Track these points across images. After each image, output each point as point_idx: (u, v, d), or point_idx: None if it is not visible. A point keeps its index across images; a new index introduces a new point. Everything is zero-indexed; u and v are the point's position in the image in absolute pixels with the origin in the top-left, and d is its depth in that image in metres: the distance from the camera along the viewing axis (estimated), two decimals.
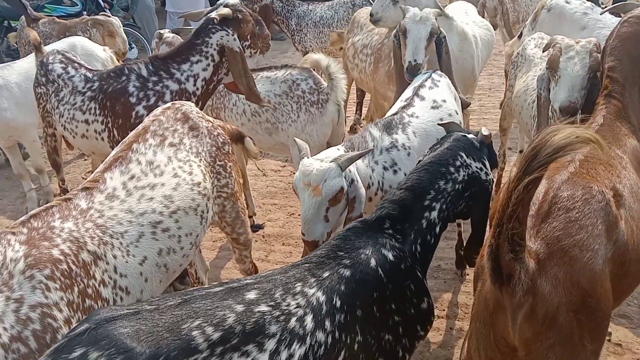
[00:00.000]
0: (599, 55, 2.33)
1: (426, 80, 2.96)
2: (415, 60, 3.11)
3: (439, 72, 3.13)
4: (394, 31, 3.39)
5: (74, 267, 1.55)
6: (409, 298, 1.69)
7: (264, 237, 4.01)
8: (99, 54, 4.52)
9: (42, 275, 1.47)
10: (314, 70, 3.43)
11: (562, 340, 1.44)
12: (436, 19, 3.28)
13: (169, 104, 2.31)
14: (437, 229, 1.85)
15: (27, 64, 4.36)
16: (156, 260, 1.84)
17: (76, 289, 1.54)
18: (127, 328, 1.24)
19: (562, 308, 1.42)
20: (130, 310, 1.30)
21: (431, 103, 2.81)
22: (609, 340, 2.92)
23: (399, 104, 2.85)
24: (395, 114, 2.70)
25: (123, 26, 7.57)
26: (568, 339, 1.44)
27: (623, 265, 1.64)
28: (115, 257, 1.69)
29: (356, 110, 5.56)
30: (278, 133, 3.48)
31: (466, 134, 2.04)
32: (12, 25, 7.93)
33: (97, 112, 3.02)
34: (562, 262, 1.45)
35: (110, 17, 5.49)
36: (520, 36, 4.49)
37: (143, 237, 1.80)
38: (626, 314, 3.11)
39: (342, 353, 1.50)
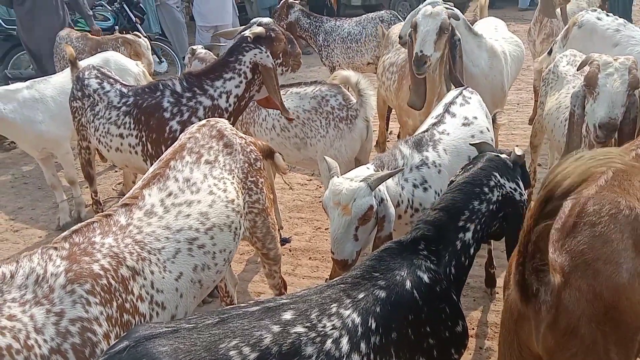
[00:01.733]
0: (638, 73, 2.30)
1: (457, 97, 2.96)
2: (421, 52, 3.11)
3: (470, 89, 3.12)
4: (409, 29, 3.40)
5: (113, 282, 1.58)
6: (444, 321, 1.68)
7: (290, 250, 4.03)
8: (132, 69, 4.63)
9: (82, 290, 1.50)
10: (343, 86, 3.46)
11: (585, 350, 1.45)
12: (449, 18, 3.27)
13: (204, 121, 2.35)
14: (472, 250, 1.84)
15: (62, 79, 4.50)
16: (191, 276, 1.87)
17: (115, 304, 1.58)
18: (165, 347, 1.26)
19: (584, 319, 1.44)
20: (169, 329, 1.32)
21: (462, 120, 2.80)
22: None
23: (430, 120, 2.85)
24: (426, 131, 2.70)
25: (152, 40, 7.77)
26: (591, 350, 1.46)
27: None
28: (152, 272, 1.73)
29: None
30: (307, 148, 3.51)
31: (499, 154, 2.03)
32: None
33: (132, 126, 3.09)
34: (585, 275, 1.47)
35: (140, 37, 5.63)
36: (550, 52, 4.45)
37: (179, 253, 1.83)
38: None
39: None
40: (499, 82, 4.03)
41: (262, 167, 2.41)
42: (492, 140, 2.87)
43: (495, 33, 4.40)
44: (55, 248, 1.58)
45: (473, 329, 3.16)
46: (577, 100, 2.47)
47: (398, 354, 1.55)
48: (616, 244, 1.53)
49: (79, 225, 1.69)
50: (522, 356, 1.60)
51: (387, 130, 5.54)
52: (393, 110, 5.04)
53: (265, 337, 1.35)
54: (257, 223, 2.38)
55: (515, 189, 1.95)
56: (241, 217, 2.16)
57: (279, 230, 4.03)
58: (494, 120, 3.10)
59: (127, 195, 1.87)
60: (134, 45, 5.35)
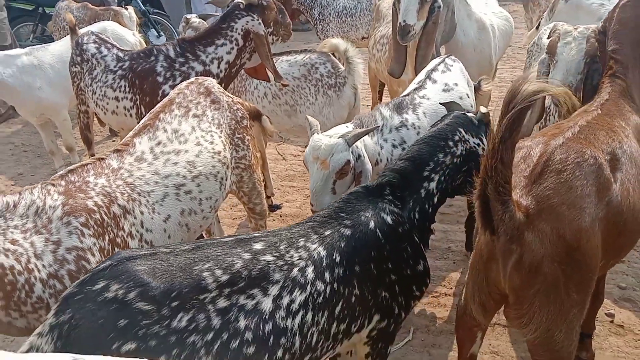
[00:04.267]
0: (596, 42, 2.42)
1: (439, 64, 3.09)
2: (404, 22, 3.21)
3: (453, 57, 3.25)
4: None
5: (105, 217, 1.74)
6: (406, 260, 1.83)
7: (281, 216, 4.19)
8: (129, 39, 4.75)
9: (77, 222, 1.66)
10: (332, 54, 3.58)
11: (547, 288, 1.58)
12: None
13: (192, 79, 2.49)
14: (435, 199, 1.99)
15: (60, 47, 4.61)
16: (179, 219, 2.02)
17: (107, 237, 1.73)
18: (144, 266, 1.41)
19: (547, 259, 1.56)
20: (149, 252, 1.48)
21: (443, 86, 2.93)
22: (612, 322, 3.02)
23: (412, 86, 2.98)
24: (407, 95, 2.84)
25: (151, 14, 7.84)
26: (552, 287, 1.58)
27: (617, 224, 1.75)
28: (142, 213, 1.89)
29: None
30: (297, 115, 3.65)
31: (466, 113, 2.17)
32: (47, 12, 8.26)
33: (127, 89, 3.23)
34: (549, 218, 1.58)
35: (127, 9, 5.73)
36: (538, 27, 4.56)
37: (167, 197, 1.99)
38: (631, 298, 3.19)
39: (340, 303, 1.65)
40: (487, 55, 4.15)
41: (248, 126, 2.55)
42: (472, 107, 3.00)
43: (485, 7, 4.51)
44: (53, 184, 1.74)
45: (451, 288, 3.33)
46: (543, 68, 2.60)
47: (361, 286, 1.71)
48: (580, 190, 1.64)
49: (74, 165, 1.84)
50: (491, 295, 1.75)
51: (380, 102, 5.66)
52: (386, 86, 5.18)
53: (237, 263, 1.50)
54: (243, 178, 2.54)
55: (478, 144, 2.09)
56: (227, 168, 2.31)
57: (270, 197, 4.20)
58: (479, 87, 3.23)
59: (119, 143, 2.02)
60: (117, 16, 5.47)
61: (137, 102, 3.22)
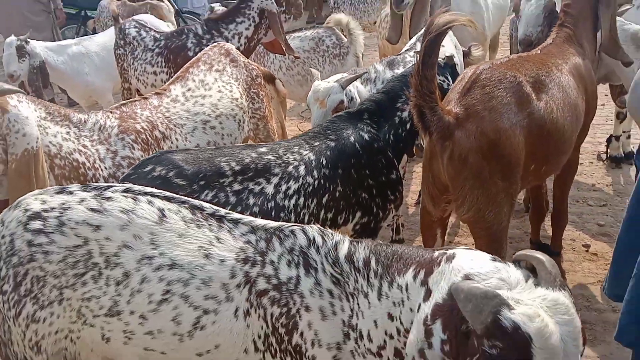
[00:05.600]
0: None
1: None
2: None
3: None
4: None
5: (149, 138, 2.32)
6: (380, 169, 2.33)
7: None
8: (163, 29, 5.37)
9: (129, 138, 2.25)
10: (337, 28, 4.11)
11: (474, 174, 2.06)
12: None
13: (215, 44, 3.06)
14: (407, 126, 2.48)
15: (104, 37, 5.28)
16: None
17: (150, 153, 2.31)
18: (179, 156, 1.98)
19: (472, 151, 2.03)
20: (182, 150, 2.04)
21: None
22: (587, 251, 3.44)
23: (405, 47, 3.48)
24: (399, 54, 3.34)
25: (184, 13, 8.49)
26: (478, 175, 2.06)
27: (541, 134, 2.20)
28: (177, 140, 2.45)
29: None
30: (308, 84, 4.18)
31: None
32: (89, 14, 9.05)
33: (163, 64, 3.83)
34: (474, 120, 2.05)
35: (164, 2, 6.40)
36: None
37: (196, 130, 2.55)
38: (608, 233, 3.59)
39: (326, 196, 2.17)
40: (480, 27, 4.59)
41: (262, 83, 3.10)
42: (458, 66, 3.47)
43: None
44: (111, 112, 2.33)
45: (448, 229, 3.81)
46: (513, 25, 3.07)
47: (343, 185, 2.22)
48: (500, 99, 2.09)
49: (125, 101, 2.43)
50: (435, 185, 2.24)
51: None
52: None
53: (246, 158, 2.05)
54: (259, 127, 3.08)
55: (444, 81, 2.58)
56: (245, 113, 2.86)
57: None
58: (469, 52, 3.69)
59: (159, 89, 2.61)
60: (157, 9, 6.11)
61: (172, 74, 3.80)
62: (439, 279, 1.15)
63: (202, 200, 1.91)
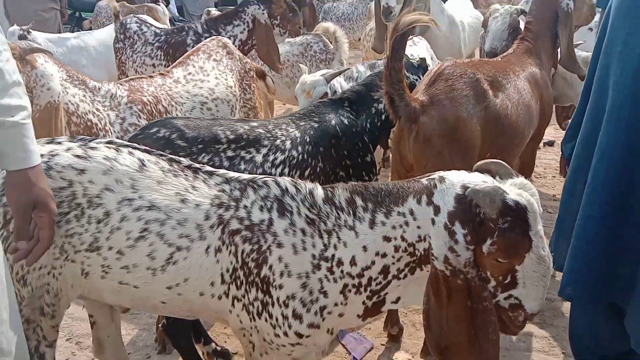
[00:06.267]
0: (517, 17, 3.26)
1: (408, 40, 3.95)
2: (387, 4, 4.05)
3: (421, 37, 4.11)
4: None
5: (154, 110, 2.60)
6: (357, 151, 2.63)
7: None
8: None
9: (136, 108, 2.53)
10: (324, 35, 4.46)
11: (436, 155, 2.37)
12: None
13: (213, 37, 3.38)
14: (383, 117, 2.80)
15: (102, 34, 5.57)
16: None
17: None
18: (181, 122, 2.26)
19: (435, 133, 2.34)
20: (184, 117, 2.33)
21: (409, 56, 3.78)
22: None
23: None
24: (380, 60, 3.69)
25: (177, 21, 8.80)
26: (440, 154, 2.37)
27: (497, 127, 2.51)
28: (177, 116, 2.74)
29: None
30: (295, 85, 4.51)
31: (409, 58, 3.01)
32: (83, 16, 9.33)
33: (162, 57, 4.12)
34: (437, 107, 2.36)
35: (159, 4, 6.71)
36: None
37: (194, 109, 2.84)
38: None
39: (308, 170, 2.46)
40: (457, 45, 5.02)
41: (254, 76, 3.41)
42: None
43: (458, 8, 5.40)
44: (121, 84, 2.61)
45: None
46: (482, 39, 3.44)
47: (324, 162, 2.51)
48: (460, 91, 2.41)
49: (133, 77, 2.71)
50: (403, 166, 2.55)
51: None
52: None
53: (239, 130, 2.34)
54: (249, 116, 3.38)
55: (416, 79, 2.92)
56: (237, 100, 3.16)
57: None
58: None
59: (163, 70, 2.90)
60: (153, 11, 6.43)
61: None
62: (442, 195, 1.49)
63: (199, 162, 2.20)
